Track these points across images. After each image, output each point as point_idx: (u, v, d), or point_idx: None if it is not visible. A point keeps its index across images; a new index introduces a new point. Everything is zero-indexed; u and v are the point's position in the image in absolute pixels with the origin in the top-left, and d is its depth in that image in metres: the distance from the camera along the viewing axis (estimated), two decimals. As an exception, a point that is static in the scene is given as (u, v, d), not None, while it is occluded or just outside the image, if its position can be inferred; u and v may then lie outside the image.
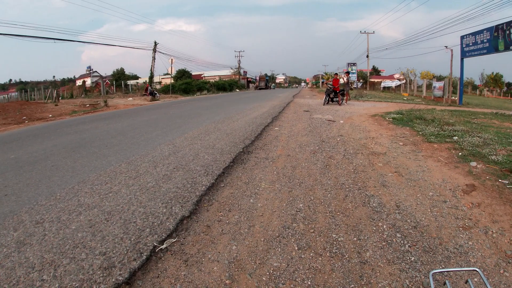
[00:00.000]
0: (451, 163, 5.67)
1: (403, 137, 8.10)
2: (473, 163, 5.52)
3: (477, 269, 1.27)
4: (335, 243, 3.19)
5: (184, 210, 3.92)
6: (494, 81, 73.32)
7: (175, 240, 3.31)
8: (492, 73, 74.29)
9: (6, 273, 2.78)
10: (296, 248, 3.12)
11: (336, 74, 20.33)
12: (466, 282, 1.28)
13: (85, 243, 3.23)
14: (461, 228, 3.46)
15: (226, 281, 2.66)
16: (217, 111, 15.89)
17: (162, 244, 3.20)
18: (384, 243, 3.16)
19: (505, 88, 73.68)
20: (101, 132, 10.52)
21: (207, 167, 5.64)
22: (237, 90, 60.85)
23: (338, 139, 8.05)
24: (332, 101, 19.21)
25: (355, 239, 3.26)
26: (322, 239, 3.27)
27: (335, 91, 18.92)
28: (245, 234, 3.42)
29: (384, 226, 3.50)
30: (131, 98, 35.16)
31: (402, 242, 3.18)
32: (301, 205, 4.10)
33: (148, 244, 3.18)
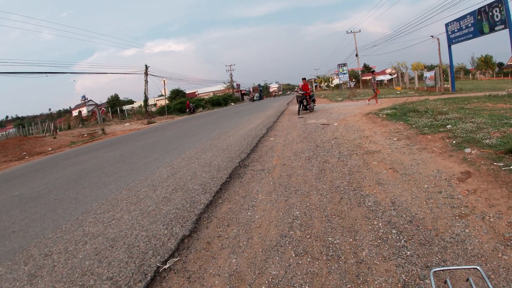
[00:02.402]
0: (445, 153, 5.74)
1: (397, 132, 8.19)
2: (467, 150, 5.59)
3: (478, 267, 1.25)
4: (331, 246, 3.26)
5: (185, 230, 4.01)
6: (485, 63, 73.64)
7: (177, 259, 3.40)
8: (482, 55, 74.69)
9: (20, 306, 2.88)
10: (294, 255, 3.19)
11: (304, 79, 18.78)
12: (467, 280, 1.35)
13: (92, 270, 3.35)
14: (457, 217, 3.51)
15: (227, 294, 2.74)
16: (212, 128, 16.05)
17: (165, 264, 3.29)
18: (379, 241, 3.23)
19: (497, 69, 73.77)
20: (100, 161, 10.66)
21: (205, 185, 5.73)
22: (232, 103, 61.19)
23: (332, 142, 8.13)
24: (306, 109, 18.10)
25: (351, 240, 3.33)
26: (318, 244, 3.34)
27: (307, 98, 17.78)
28: (244, 246, 3.50)
29: (380, 224, 3.57)
30: (128, 124, 35.42)
31: (397, 237, 3.25)
32: (297, 212, 4.17)
33: (152, 266, 3.28)
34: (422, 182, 4.61)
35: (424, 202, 3.97)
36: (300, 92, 17.99)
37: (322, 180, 5.32)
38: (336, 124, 11.39)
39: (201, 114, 39.13)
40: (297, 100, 18.01)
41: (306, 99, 17.64)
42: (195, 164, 7.64)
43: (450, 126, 7.52)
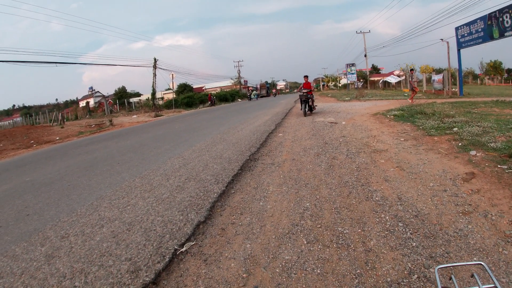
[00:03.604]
0: (451, 154, 5.86)
1: (404, 133, 8.29)
2: (473, 152, 5.69)
3: (482, 263, 1.25)
4: (341, 235, 3.43)
5: (200, 216, 4.19)
6: (494, 68, 73.15)
7: (193, 243, 3.57)
8: (491, 61, 74.18)
9: (39, 283, 3.04)
10: (305, 242, 3.36)
11: (306, 76, 16.90)
12: (472, 276, 1.26)
13: (111, 252, 3.50)
14: (460, 214, 3.64)
15: (243, 275, 2.90)
16: (221, 122, 16.17)
17: (182, 247, 3.47)
18: (387, 232, 3.39)
19: (505, 75, 73.47)
20: (111, 151, 10.80)
21: (217, 176, 5.90)
22: (239, 99, 60.95)
23: (340, 140, 8.27)
24: (311, 110, 16.52)
25: (360, 230, 3.49)
26: (328, 233, 3.50)
27: (311, 96, 16.18)
28: (257, 233, 3.67)
29: (387, 217, 3.72)
30: (135, 116, 35.52)
31: (404, 230, 3.40)
32: (307, 204, 4.34)
33: (170, 248, 3.45)
34: (428, 181, 4.73)
35: (430, 199, 4.11)
36: (303, 90, 16.16)
37: (331, 175, 5.47)
38: (344, 122, 11.51)
39: (207, 109, 39.17)
40: (301, 100, 16.29)
41: (311, 98, 16.19)
42: (206, 156, 7.81)
43: (456, 129, 7.60)
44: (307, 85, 16.44)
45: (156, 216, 4.34)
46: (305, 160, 6.62)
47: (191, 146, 9.44)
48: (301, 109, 16.34)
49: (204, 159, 7.48)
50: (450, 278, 1.29)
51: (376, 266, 2.84)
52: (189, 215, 4.27)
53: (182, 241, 3.59)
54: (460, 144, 6.35)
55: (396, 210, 3.88)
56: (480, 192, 4.16)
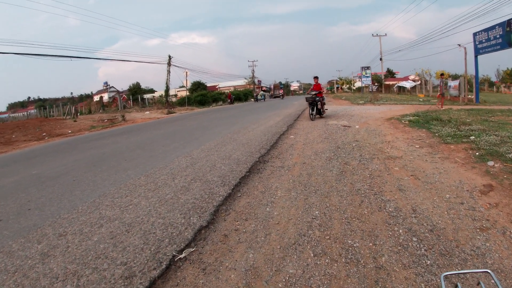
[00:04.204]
0: (468, 164, 5.63)
1: (419, 139, 8.05)
2: (491, 163, 5.48)
3: (489, 271, 1.23)
4: (350, 249, 3.21)
5: (202, 220, 4.01)
6: (511, 77, 72.05)
7: (193, 249, 3.39)
8: (508, 68, 73.18)
9: (31, 283, 2.92)
10: (312, 255, 3.15)
11: (316, 77, 15.82)
12: (478, 284, 1.24)
13: (107, 254, 3.36)
14: (478, 230, 3.43)
15: (243, 288, 2.72)
16: (232, 122, 16.09)
17: (181, 254, 3.29)
18: (400, 248, 3.17)
19: (522, 83, 72.28)
20: (120, 146, 10.78)
21: (224, 178, 5.73)
22: (252, 99, 60.83)
23: (353, 144, 8.04)
24: (319, 113, 15.28)
25: (371, 244, 3.28)
26: (337, 246, 3.29)
27: (320, 99, 15.06)
28: (262, 242, 3.47)
29: (400, 231, 3.50)
30: (148, 112, 35.67)
31: (418, 246, 3.18)
32: (316, 212, 4.13)
33: (168, 254, 3.28)
34: (444, 192, 4.51)
35: (446, 212, 3.88)
36: (312, 92, 15.17)
37: (343, 181, 5.25)
38: (357, 126, 11.28)
39: (220, 108, 39.21)
40: (308, 103, 15.19)
41: (320, 101, 15.09)
42: (214, 156, 7.65)
43: (473, 137, 7.36)
44: (317, 86, 15.52)
45: (157, 217, 4.18)
46: (316, 164, 6.41)
47: (200, 145, 9.31)
48: (309, 112, 15.18)
49: (212, 159, 7.33)
50: (456, 286, 1.26)
51: (387, 285, 2.62)
52: (191, 218, 4.09)
53: (182, 246, 3.42)
54: (477, 153, 6.11)
55: (410, 223, 3.66)
56: (498, 206, 3.94)
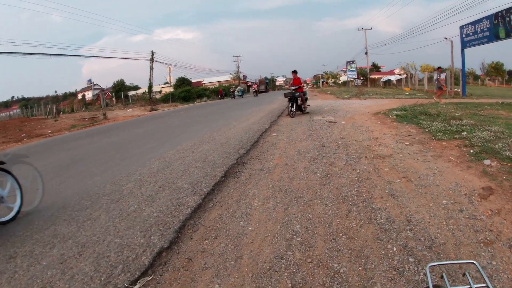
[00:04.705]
0: (463, 163, 5.21)
1: (408, 135, 7.63)
2: (487, 161, 5.08)
3: (474, 262, 1.25)
4: (336, 276, 2.67)
5: (164, 240, 3.45)
6: (495, 70, 73.06)
7: (150, 278, 2.84)
8: (493, 62, 73.97)
9: None
10: (290, 285, 2.61)
11: (294, 72, 14.59)
12: (464, 274, 1.23)
13: (52, 284, 2.86)
14: (481, 244, 2.97)
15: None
16: (214, 118, 15.67)
17: (135, 284, 2.74)
18: (394, 273, 2.65)
19: (506, 77, 73.35)
20: (94, 148, 10.43)
21: (196, 185, 5.18)
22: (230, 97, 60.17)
23: (339, 142, 7.56)
24: (301, 110, 14.23)
25: (360, 268, 2.74)
26: (321, 272, 2.75)
27: (300, 94, 13.95)
28: (231, 268, 2.92)
29: (394, 249, 2.99)
30: (131, 109, 35.32)
31: (415, 269, 2.67)
32: (297, 226, 3.59)
33: (119, 285, 2.73)
34: (440, 197, 4.05)
35: (444, 222, 3.41)
36: (291, 88, 14.16)
37: (328, 186, 4.74)
38: (343, 122, 10.82)
39: (204, 103, 38.77)
40: (288, 98, 14.01)
41: (301, 97, 13.99)
42: (189, 158, 7.12)
43: (465, 133, 6.98)
44: (296, 81, 14.37)
45: (115, 236, 3.62)
46: (298, 166, 5.90)
47: (176, 146, 8.77)
48: (289, 109, 14.03)
49: (186, 161, 6.79)
50: (442, 276, 1.27)
51: (382, 328, 2.11)
52: (152, 237, 3.53)
53: (137, 275, 2.86)
54: (471, 151, 5.71)
55: (405, 238, 3.16)
56: (501, 213, 3.49)
